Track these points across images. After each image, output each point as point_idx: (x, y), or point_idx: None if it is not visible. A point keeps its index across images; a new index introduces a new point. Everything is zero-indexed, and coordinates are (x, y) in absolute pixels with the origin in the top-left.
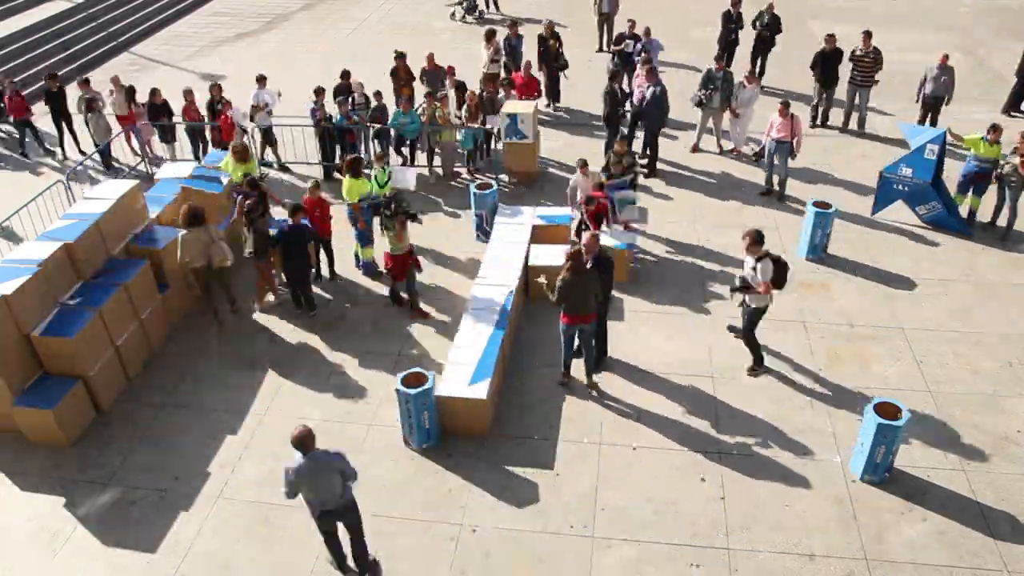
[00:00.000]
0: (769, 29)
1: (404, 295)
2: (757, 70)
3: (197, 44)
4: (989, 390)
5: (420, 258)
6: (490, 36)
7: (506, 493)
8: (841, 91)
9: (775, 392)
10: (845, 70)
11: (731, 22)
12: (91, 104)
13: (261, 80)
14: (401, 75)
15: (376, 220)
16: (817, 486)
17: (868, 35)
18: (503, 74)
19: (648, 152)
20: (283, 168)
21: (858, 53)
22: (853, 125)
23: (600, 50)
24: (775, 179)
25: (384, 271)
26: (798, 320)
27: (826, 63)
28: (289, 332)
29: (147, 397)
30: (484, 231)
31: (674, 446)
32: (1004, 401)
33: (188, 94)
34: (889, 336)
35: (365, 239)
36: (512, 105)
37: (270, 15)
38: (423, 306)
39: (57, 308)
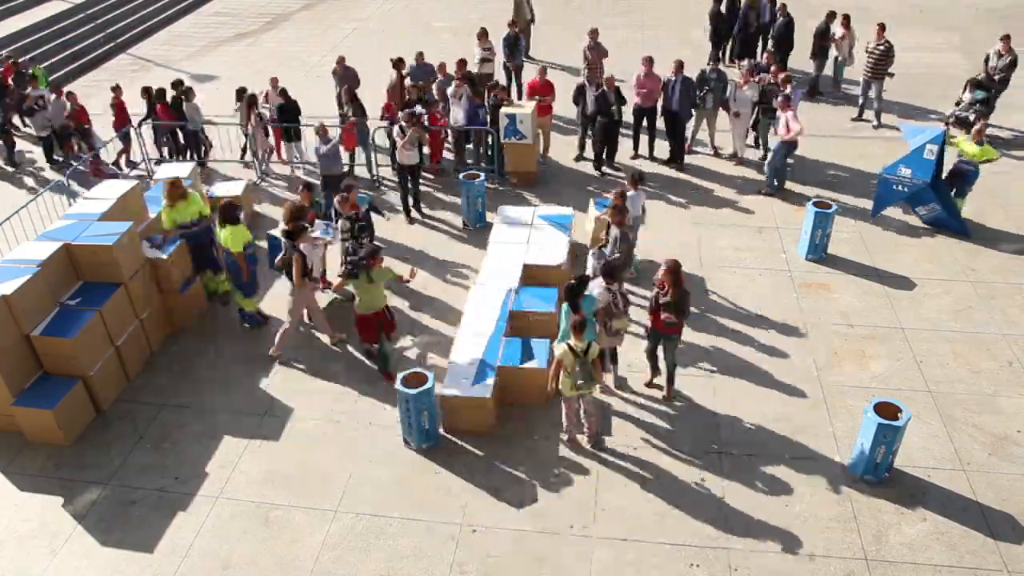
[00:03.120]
0: (747, 20)
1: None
2: (748, 66)
3: (197, 44)
4: (989, 390)
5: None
6: (483, 34)
7: (506, 493)
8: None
9: (775, 392)
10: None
11: (719, 19)
12: (188, 93)
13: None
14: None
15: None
16: (817, 486)
17: (882, 28)
18: (503, 77)
19: (675, 144)
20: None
21: (869, 47)
22: (868, 117)
23: None
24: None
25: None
26: (798, 320)
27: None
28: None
29: (147, 397)
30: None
31: (674, 446)
32: (1004, 401)
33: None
34: (889, 336)
35: (250, 289)
36: (511, 105)
37: (270, 15)
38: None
39: (57, 308)
